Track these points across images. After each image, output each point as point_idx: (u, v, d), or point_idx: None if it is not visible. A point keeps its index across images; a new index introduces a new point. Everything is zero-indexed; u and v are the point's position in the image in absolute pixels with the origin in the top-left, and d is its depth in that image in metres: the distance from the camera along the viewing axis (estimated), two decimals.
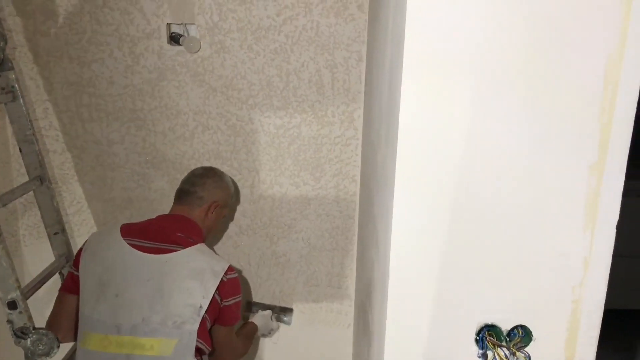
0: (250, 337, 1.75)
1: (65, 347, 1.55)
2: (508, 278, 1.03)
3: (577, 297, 1.02)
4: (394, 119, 1.01)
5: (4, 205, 1.44)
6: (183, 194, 1.61)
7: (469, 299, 1.04)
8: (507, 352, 1.02)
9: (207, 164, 1.87)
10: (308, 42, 1.76)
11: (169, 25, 1.76)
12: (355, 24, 1.74)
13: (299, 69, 1.79)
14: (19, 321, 1.37)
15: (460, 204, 0.99)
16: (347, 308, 2.02)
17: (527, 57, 0.93)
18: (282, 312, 1.98)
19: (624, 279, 2.65)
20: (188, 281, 1.37)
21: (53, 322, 1.47)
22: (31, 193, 1.64)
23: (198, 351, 1.37)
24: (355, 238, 1.95)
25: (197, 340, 1.34)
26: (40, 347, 1.38)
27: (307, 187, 1.90)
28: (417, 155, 0.98)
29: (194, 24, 1.75)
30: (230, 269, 1.47)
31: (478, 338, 1.05)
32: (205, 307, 1.36)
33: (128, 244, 1.42)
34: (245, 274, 1.99)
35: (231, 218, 1.93)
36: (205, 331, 1.39)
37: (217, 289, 1.40)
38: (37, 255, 1.92)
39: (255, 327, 1.81)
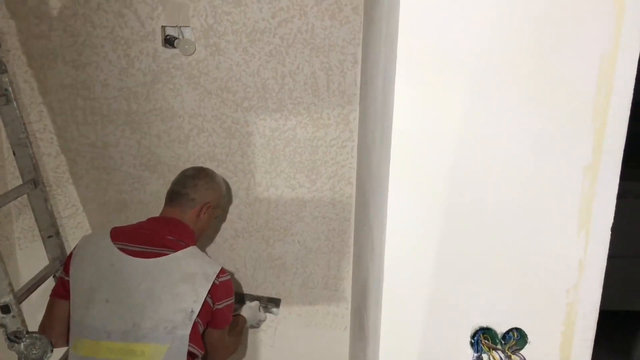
0: (240, 332, 1.74)
1: (58, 352, 1.54)
2: (503, 280, 1.02)
3: (572, 299, 1.02)
4: (388, 121, 1.01)
5: None
6: (174, 195, 1.59)
7: (464, 301, 1.04)
8: (502, 355, 1.02)
9: (202, 167, 1.86)
10: (303, 45, 1.76)
11: (163, 27, 1.75)
12: (351, 26, 1.74)
13: (294, 72, 1.78)
14: (12, 325, 1.36)
15: (455, 206, 0.99)
16: (344, 311, 2.02)
17: (520, 58, 0.92)
18: (269, 302, 1.98)
19: (619, 280, 2.67)
20: (179, 285, 1.36)
21: (45, 327, 1.45)
22: (25, 196, 1.63)
23: (190, 356, 1.36)
24: (352, 240, 1.94)
25: (189, 345, 1.33)
26: (34, 352, 1.37)
27: (303, 190, 1.90)
28: (411, 158, 0.97)
29: (188, 26, 1.75)
30: (223, 271, 1.45)
31: (473, 341, 1.04)
32: (196, 312, 1.35)
33: (118, 248, 1.41)
34: (241, 276, 1.98)
35: (223, 218, 1.92)
36: (198, 335, 1.38)
37: (209, 292, 1.39)
38: (32, 258, 1.91)
39: (244, 320, 1.80)
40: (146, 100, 1.81)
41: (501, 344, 1.03)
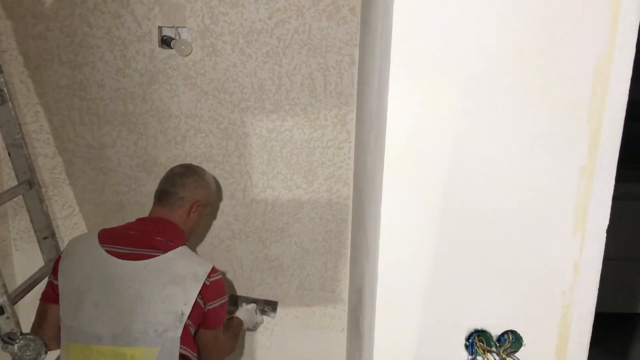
0: (237, 333, 1.72)
1: (53, 354, 1.53)
2: (498, 283, 1.02)
3: (568, 302, 1.02)
4: (382, 122, 1.00)
5: None
6: (163, 194, 1.56)
7: (459, 303, 1.03)
8: (497, 358, 1.01)
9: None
10: (300, 45, 1.75)
11: (160, 28, 1.75)
12: (348, 27, 1.74)
13: (291, 72, 1.78)
14: (6, 326, 1.35)
15: (449, 208, 0.98)
16: (341, 312, 2.01)
17: (516, 59, 0.92)
18: (266, 305, 1.97)
19: (616, 282, 2.65)
20: (169, 287, 1.34)
21: (36, 332, 1.43)
22: (21, 197, 1.62)
23: (182, 358, 1.35)
24: (349, 242, 1.94)
25: (180, 347, 1.32)
26: (28, 353, 1.36)
27: (300, 191, 1.89)
28: (405, 159, 0.97)
29: (185, 27, 1.74)
30: (214, 271, 1.43)
31: (468, 343, 1.04)
32: (187, 314, 1.33)
33: (105, 251, 1.38)
34: (237, 278, 1.98)
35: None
36: (189, 337, 1.37)
37: (200, 293, 1.37)
38: (28, 259, 1.90)
39: (240, 322, 1.78)
40: (143, 100, 1.80)
41: (496, 346, 1.02)
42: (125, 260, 1.37)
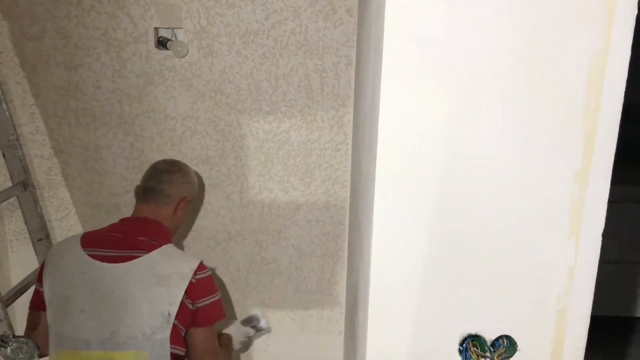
0: (229, 347, 1.68)
1: None
2: (492, 287, 1.00)
3: (563, 306, 1.00)
4: (374, 124, 0.99)
5: None
6: (148, 192, 1.51)
7: (452, 308, 1.02)
8: None
9: (195, 169, 1.85)
10: (297, 47, 1.74)
11: (156, 29, 1.74)
12: (345, 28, 1.73)
13: (288, 74, 1.77)
14: None
15: (443, 211, 0.97)
16: (338, 315, 2.00)
17: (509, 61, 0.91)
18: (249, 321, 1.90)
19: (612, 285, 2.63)
20: (153, 288, 1.31)
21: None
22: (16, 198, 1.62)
23: (175, 357, 1.33)
24: (346, 244, 1.92)
25: (171, 347, 1.30)
26: (20, 356, 1.36)
27: (297, 193, 1.88)
28: (398, 163, 0.96)
29: (181, 28, 1.74)
30: (201, 267, 1.39)
31: (461, 348, 1.02)
32: (173, 314, 1.30)
33: (88, 255, 1.35)
34: (234, 280, 1.97)
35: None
36: (179, 336, 1.34)
37: (186, 292, 1.33)
38: (24, 261, 1.90)
39: (229, 336, 1.73)
40: (139, 102, 1.79)
41: (490, 351, 1.01)
42: (108, 263, 1.34)
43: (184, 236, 1.92)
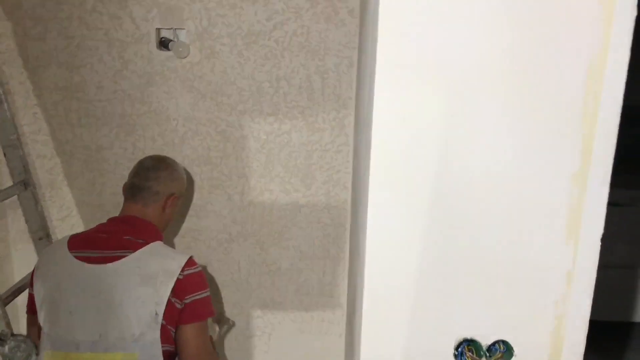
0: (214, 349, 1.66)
1: None
2: (488, 291, 0.99)
3: (561, 312, 0.98)
4: (370, 125, 0.98)
5: None
6: (135, 189, 1.49)
7: (448, 311, 1.01)
8: None
9: (196, 170, 1.85)
10: (298, 48, 1.74)
11: (158, 30, 1.74)
12: (346, 30, 1.72)
13: (290, 75, 1.76)
14: None
15: (438, 215, 0.96)
16: (339, 317, 1.99)
17: (506, 63, 0.89)
18: (217, 323, 1.88)
19: (610, 290, 2.59)
20: (140, 288, 1.29)
21: None
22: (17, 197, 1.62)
23: (167, 355, 1.31)
24: (347, 246, 1.91)
25: (162, 346, 1.28)
26: (19, 354, 1.36)
27: (298, 194, 1.87)
28: (392, 165, 0.95)
29: (183, 29, 1.74)
30: (190, 263, 1.36)
31: (457, 352, 1.01)
32: (161, 314, 1.28)
33: (75, 257, 1.34)
34: (235, 282, 1.96)
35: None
36: (169, 336, 1.32)
37: (173, 290, 1.30)
38: (28, 260, 1.90)
39: (210, 337, 1.63)
40: (140, 102, 1.80)
41: (486, 356, 1.00)
42: (94, 265, 1.32)
43: (184, 236, 1.92)
